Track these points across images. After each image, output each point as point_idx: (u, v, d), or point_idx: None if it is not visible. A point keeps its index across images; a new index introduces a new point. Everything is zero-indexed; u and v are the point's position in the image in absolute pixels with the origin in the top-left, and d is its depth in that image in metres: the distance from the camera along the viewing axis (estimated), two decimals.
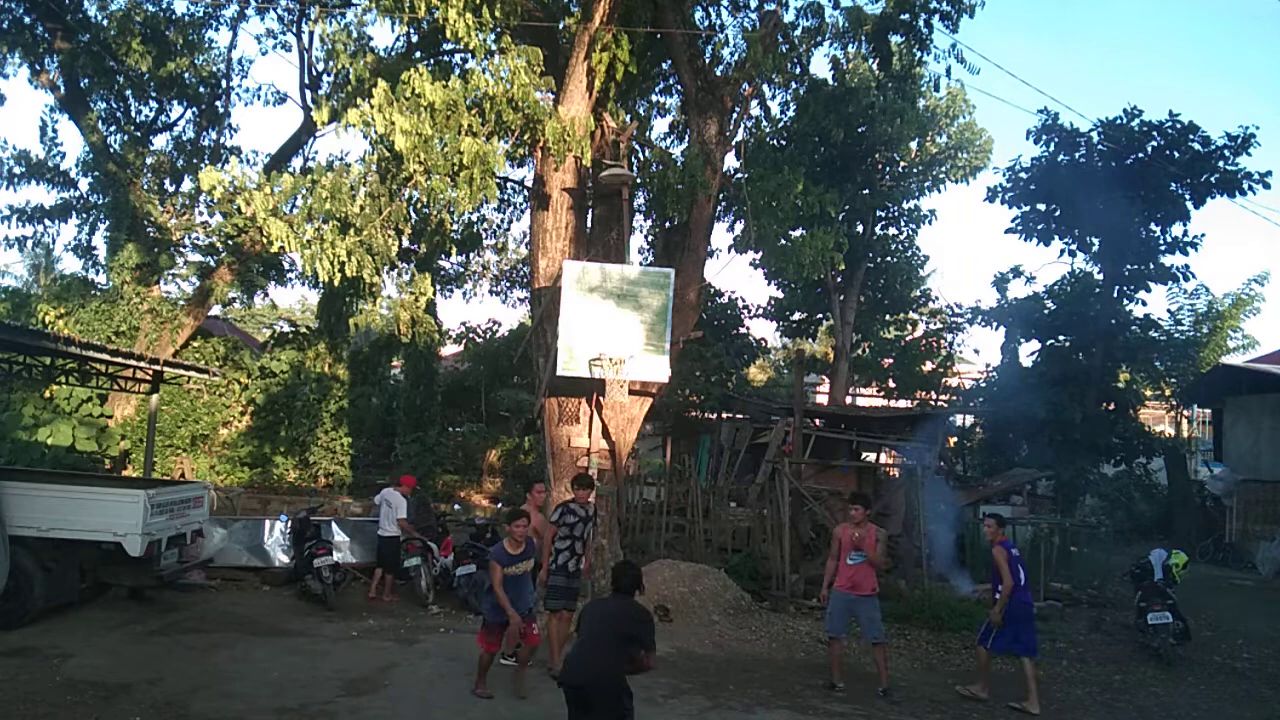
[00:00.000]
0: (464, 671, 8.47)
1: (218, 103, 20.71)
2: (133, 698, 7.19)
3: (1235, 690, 9.62)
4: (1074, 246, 21.21)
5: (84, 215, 20.28)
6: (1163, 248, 20.16)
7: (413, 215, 12.10)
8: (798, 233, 13.33)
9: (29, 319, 18.25)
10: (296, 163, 20.24)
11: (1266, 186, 18.60)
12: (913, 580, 13.39)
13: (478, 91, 9.91)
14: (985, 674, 8.77)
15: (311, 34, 19.57)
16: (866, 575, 8.64)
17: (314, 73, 20.39)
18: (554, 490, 11.09)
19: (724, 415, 20.86)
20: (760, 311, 24.56)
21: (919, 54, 13.90)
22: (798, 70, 14.72)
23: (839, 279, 22.62)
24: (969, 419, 23.67)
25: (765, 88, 14.89)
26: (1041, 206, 20.98)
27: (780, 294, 24.44)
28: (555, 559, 8.55)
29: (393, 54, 14.81)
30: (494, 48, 10.39)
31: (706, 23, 13.83)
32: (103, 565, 9.80)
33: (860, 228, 22.49)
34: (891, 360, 24.81)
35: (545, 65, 10.53)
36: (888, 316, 25.34)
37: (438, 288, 22.16)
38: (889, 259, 24.01)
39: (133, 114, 20.36)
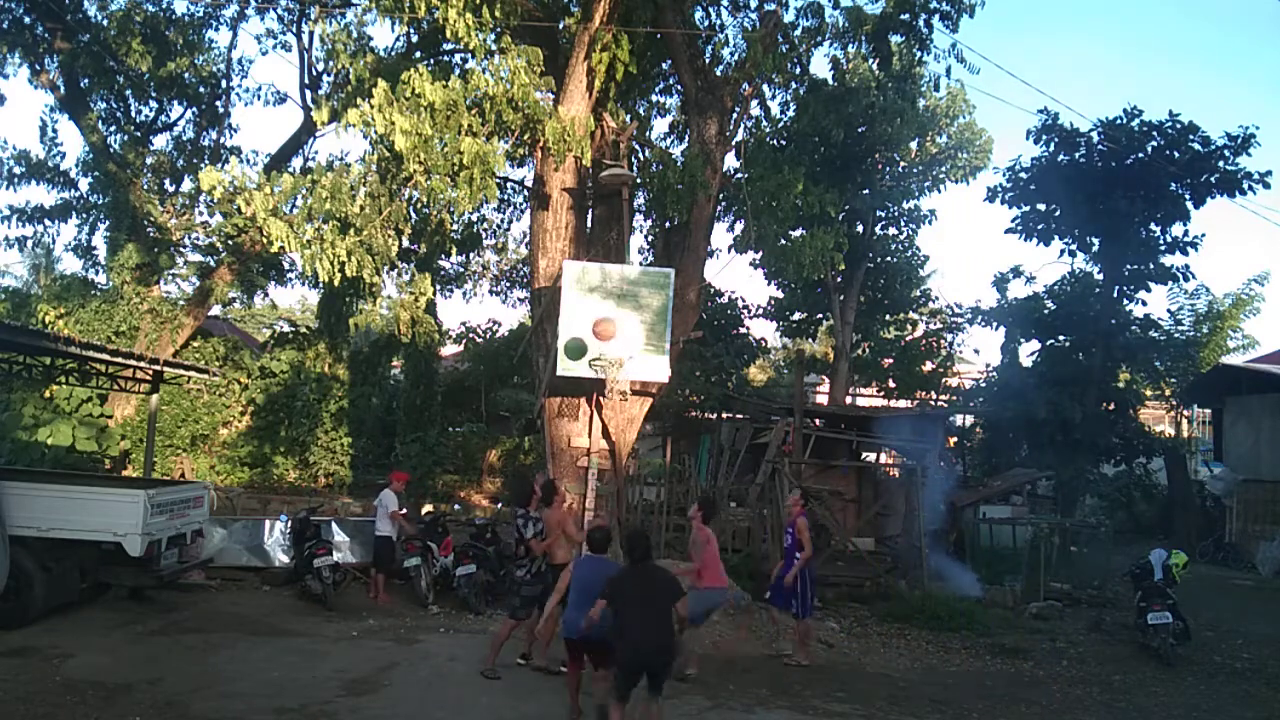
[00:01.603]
0: (464, 671, 8.48)
1: (218, 103, 20.71)
2: (133, 698, 7.19)
3: (1235, 690, 9.62)
4: (1074, 246, 21.20)
5: (84, 215, 20.28)
6: (1163, 248, 20.16)
7: (413, 215, 12.10)
8: (798, 233, 13.32)
9: (29, 319, 18.25)
10: (296, 163, 20.26)
11: (1266, 186, 18.60)
12: (913, 581, 13.39)
13: (478, 91, 9.90)
14: (809, 639, 9.82)
15: (311, 34, 19.60)
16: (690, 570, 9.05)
17: (314, 73, 20.41)
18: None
19: (724, 415, 20.85)
20: (760, 311, 24.54)
21: (919, 54, 13.88)
22: (798, 70, 14.70)
23: (839, 279, 22.61)
24: (969, 419, 23.66)
25: (765, 88, 14.87)
26: (1041, 206, 20.96)
27: (780, 294, 24.42)
28: (530, 566, 8.62)
29: (393, 54, 14.80)
30: (494, 48, 10.39)
31: (706, 23, 13.82)
32: (103, 565, 9.79)
33: (860, 228, 22.48)
34: (891, 360, 24.80)
35: (545, 65, 10.53)
36: (888, 316, 25.32)
37: (438, 288, 22.15)
38: (889, 259, 23.99)
39: (133, 114, 20.37)
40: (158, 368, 13.20)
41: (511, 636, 8.69)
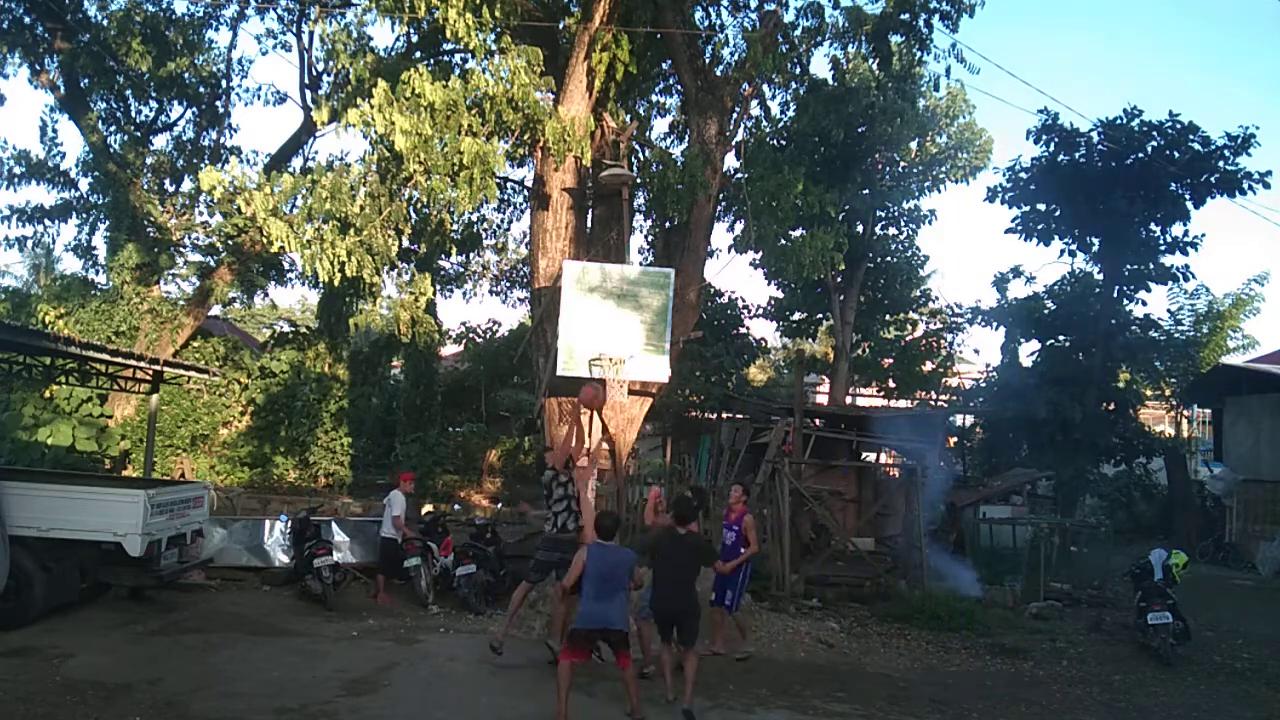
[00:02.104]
0: (464, 671, 8.48)
1: (218, 103, 20.70)
2: (133, 698, 7.19)
3: (1235, 690, 9.62)
4: (1074, 246, 21.21)
5: (84, 215, 20.27)
6: (1163, 248, 20.16)
7: (413, 215, 12.10)
8: (798, 233, 13.32)
9: (29, 319, 18.24)
10: (296, 163, 20.25)
11: (1266, 186, 18.60)
12: (913, 581, 13.39)
13: (478, 91, 9.91)
14: (721, 631, 9.68)
15: (311, 34, 19.60)
16: None
17: (314, 73, 20.40)
18: None
19: (724, 415, 20.84)
20: (760, 311, 24.54)
21: (919, 54, 13.90)
22: (798, 70, 14.71)
23: (839, 279, 22.60)
24: (969, 419, 23.66)
25: (765, 88, 14.88)
26: (1041, 206, 20.97)
27: (780, 294, 24.41)
28: (555, 521, 8.66)
29: (393, 54, 14.80)
30: (494, 48, 10.39)
31: (706, 23, 13.82)
32: (103, 565, 9.78)
33: (860, 228, 22.47)
34: (891, 360, 24.79)
35: (545, 65, 10.53)
36: (888, 316, 25.31)
37: (438, 288, 22.14)
38: (889, 259, 23.99)
39: (133, 114, 20.36)
40: (158, 368, 13.20)
41: (525, 603, 8.80)
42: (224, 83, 20.71)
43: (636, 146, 13.45)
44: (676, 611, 7.42)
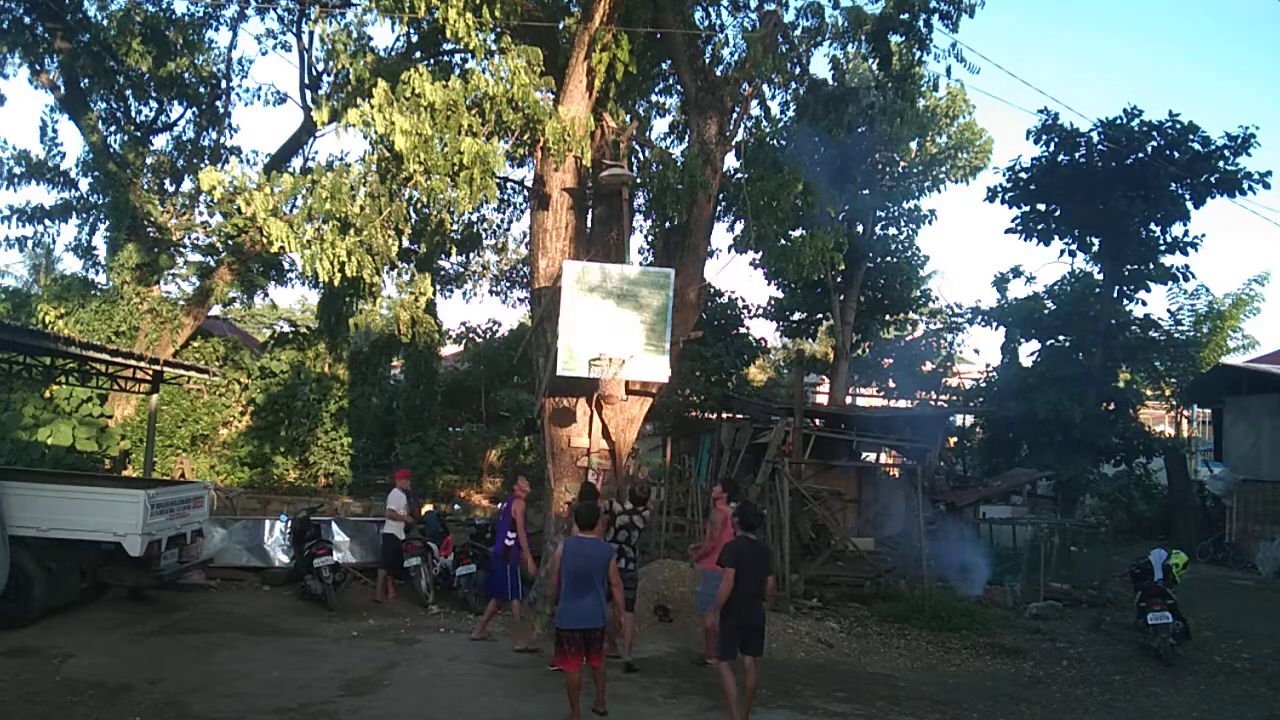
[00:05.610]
0: (464, 671, 8.48)
1: (218, 103, 20.70)
2: (133, 698, 7.19)
3: (1235, 690, 9.62)
4: (1074, 246, 21.26)
5: (84, 215, 20.26)
6: (1163, 248, 20.21)
7: (413, 215, 12.08)
8: (798, 233, 13.32)
9: (29, 319, 18.24)
10: (296, 163, 20.23)
11: (1266, 186, 18.67)
12: (913, 580, 13.39)
13: (478, 91, 9.90)
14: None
15: (311, 34, 19.57)
16: None
17: (314, 73, 20.39)
18: (554, 490, 11.10)
19: (724, 415, 20.85)
20: (760, 311, 24.54)
21: (919, 54, 13.88)
22: (797, 70, 14.70)
23: (839, 279, 22.62)
24: (969, 419, 23.67)
25: (765, 88, 14.86)
26: (1041, 206, 21.02)
27: (780, 294, 24.44)
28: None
29: (393, 54, 14.79)
30: (494, 48, 10.39)
31: (706, 23, 13.82)
32: (103, 565, 9.80)
33: (860, 228, 22.47)
34: (891, 360, 24.81)
35: (545, 65, 10.53)
36: (888, 316, 25.33)
37: (438, 288, 22.11)
38: (889, 259, 24.01)
39: (133, 114, 20.35)
40: (158, 368, 13.21)
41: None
42: (224, 83, 20.72)
43: (636, 146, 13.43)
44: (760, 619, 7.32)
